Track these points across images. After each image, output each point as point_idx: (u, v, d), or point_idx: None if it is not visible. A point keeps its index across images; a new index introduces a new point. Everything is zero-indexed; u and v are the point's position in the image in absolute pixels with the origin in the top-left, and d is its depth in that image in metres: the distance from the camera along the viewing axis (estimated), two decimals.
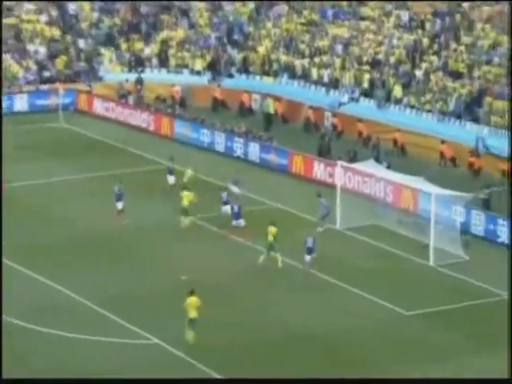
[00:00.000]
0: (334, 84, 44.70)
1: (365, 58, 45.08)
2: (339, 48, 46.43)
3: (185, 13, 51.85)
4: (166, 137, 42.66)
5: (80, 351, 24.49)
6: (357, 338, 25.67)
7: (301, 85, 45.72)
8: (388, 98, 42.77)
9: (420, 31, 46.00)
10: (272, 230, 29.59)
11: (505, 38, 43.08)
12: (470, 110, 40.16)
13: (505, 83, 40.32)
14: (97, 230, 32.13)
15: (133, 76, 47.48)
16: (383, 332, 26.04)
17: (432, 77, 42.44)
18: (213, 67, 48.29)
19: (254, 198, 34.77)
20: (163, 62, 49.01)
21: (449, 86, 41.54)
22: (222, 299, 27.36)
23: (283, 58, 47.16)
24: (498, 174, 37.23)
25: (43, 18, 50.36)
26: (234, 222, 31.67)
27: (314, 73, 45.67)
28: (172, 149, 40.19)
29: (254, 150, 39.70)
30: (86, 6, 51.64)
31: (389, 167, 35.26)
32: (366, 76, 43.92)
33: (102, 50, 49.25)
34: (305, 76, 45.88)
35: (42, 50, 48.56)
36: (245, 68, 47.94)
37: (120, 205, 32.73)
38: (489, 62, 42.18)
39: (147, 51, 49.47)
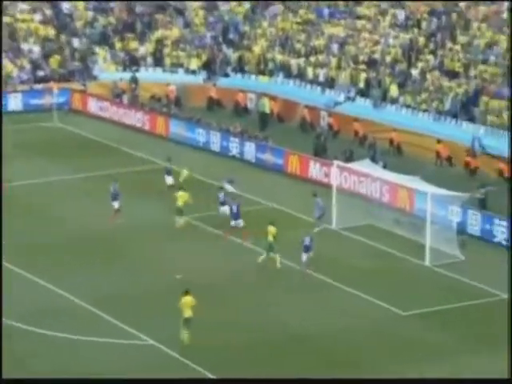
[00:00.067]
0: (330, 83, 44.58)
1: (361, 58, 44.95)
2: (335, 47, 46.31)
3: (180, 12, 51.68)
4: (161, 136, 42.51)
5: (75, 352, 24.43)
6: (353, 338, 25.59)
7: (296, 84, 45.59)
8: (384, 97, 42.65)
9: (416, 30, 45.89)
10: (272, 229, 29.51)
11: (501, 37, 43.00)
12: (466, 109, 40.06)
13: (501, 82, 40.23)
14: (91, 230, 32.01)
15: (127, 75, 47.32)
16: (379, 332, 25.95)
17: (428, 76, 42.33)
18: (208, 66, 48.14)
19: (249, 197, 34.64)
20: (158, 61, 48.84)
21: (445, 85, 41.44)
22: (217, 299, 27.28)
23: (279, 58, 47.03)
24: (495, 173, 37.14)
25: (37, 17, 50.19)
26: (233, 223, 31.57)
27: (310, 72, 45.53)
28: (167, 148, 40.12)
29: (250, 150, 39.56)
30: (81, 5, 51.44)
31: (385, 167, 35.16)
32: (362, 75, 43.81)
33: (97, 49, 49.08)
34: (300, 75, 45.75)
35: (36, 49, 48.38)
36: (240, 67, 47.79)
37: (116, 204, 32.65)
38: (485, 62, 42.09)
39: (142, 50, 49.29)
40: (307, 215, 33.02)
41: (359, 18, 48.61)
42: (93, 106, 45.54)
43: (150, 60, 48.88)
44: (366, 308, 27.27)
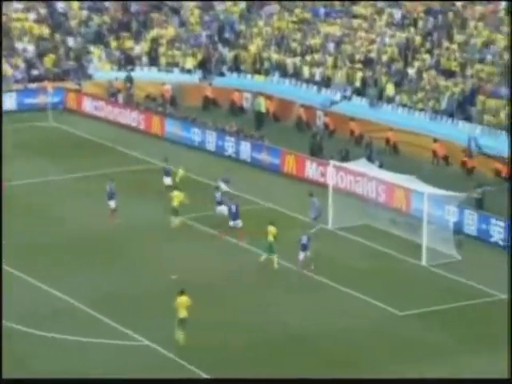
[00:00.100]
0: (326, 82, 44.44)
1: (357, 57, 44.81)
2: (331, 46, 46.17)
3: (175, 11, 51.48)
4: (157, 136, 42.37)
5: (72, 353, 24.34)
6: (352, 339, 25.50)
7: (292, 83, 45.44)
8: (380, 96, 42.52)
9: (412, 29, 45.76)
10: (272, 229, 29.43)
11: (498, 36, 42.89)
12: (463, 108, 39.96)
13: (498, 82, 40.11)
14: (88, 230, 31.89)
15: (123, 74, 47.15)
16: (377, 332, 25.87)
17: (424, 75, 42.21)
18: (204, 66, 47.97)
19: (245, 197, 34.48)
20: (153, 60, 48.66)
21: (441, 84, 41.32)
22: (214, 299, 27.18)
23: (275, 57, 46.87)
24: (492, 173, 37.03)
25: (32, 16, 49.96)
26: (232, 223, 31.41)
27: (306, 71, 45.39)
28: (162, 148, 40.02)
29: (246, 149, 39.41)
30: (75, 3, 51.21)
31: (381, 166, 35.03)
32: (358, 74, 43.67)
33: (92, 48, 48.89)
34: (296, 74, 45.60)
35: (31, 48, 48.15)
36: (236, 66, 47.63)
37: (113, 203, 32.52)
38: (482, 61, 41.97)
39: (137, 49, 49.10)
40: (303, 215, 32.92)
41: (355, 17, 48.46)
42: (88, 105, 45.37)
43: (145, 59, 48.69)
44: (363, 308, 27.18)
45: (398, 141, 40.21)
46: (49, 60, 47.81)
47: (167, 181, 35.04)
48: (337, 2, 49.92)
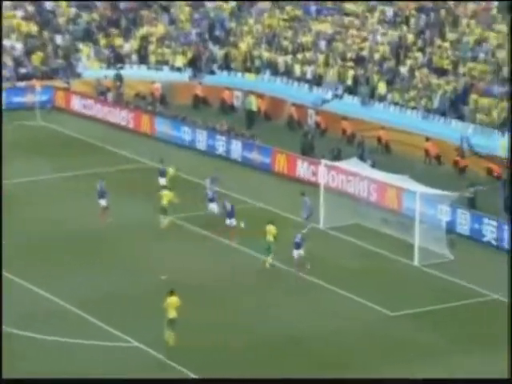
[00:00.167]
0: (318, 81, 44.15)
1: (349, 55, 44.54)
2: (323, 44, 45.90)
3: (165, 8, 51.10)
4: (146, 135, 42.09)
5: (61, 355, 24.13)
6: (343, 340, 25.32)
7: (283, 81, 45.16)
8: (372, 94, 42.25)
9: (404, 27, 45.52)
10: (272, 229, 29.22)
11: (490, 34, 42.67)
12: (455, 107, 39.74)
13: (490, 80, 39.88)
14: (76, 230, 31.63)
15: (112, 72, 46.76)
16: (369, 333, 25.70)
17: (417, 73, 41.96)
18: (194, 64, 47.63)
19: (236, 197, 34.20)
20: (143, 58, 48.29)
21: (433, 82, 41.08)
22: (204, 300, 26.98)
23: (265, 55, 46.56)
24: (484, 172, 36.81)
25: (19, 13, 49.47)
26: (228, 221, 31.14)
27: (297, 69, 45.09)
28: (152, 147, 39.86)
29: (236, 148, 39.11)
30: (63, 1, 50.74)
31: (373, 165, 34.79)
32: (350, 72, 43.39)
33: (80, 46, 48.45)
34: (288, 73, 45.31)
35: (19, 45, 47.68)
36: (226, 64, 47.30)
37: (103, 202, 32.35)
38: (474, 59, 41.75)
39: (127, 47, 48.71)
40: (295, 215, 32.68)
41: (347, 14, 48.19)
42: (76, 103, 45.02)
43: (134, 57, 48.30)
44: (354, 309, 27.00)
45: (390, 140, 39.97)
46: (37, 58, 47.36)
47: (162, 181, 34.78)
48: None
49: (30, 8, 49.91)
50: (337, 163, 34.00)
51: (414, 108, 40.81)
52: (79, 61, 47.88)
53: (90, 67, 47.76)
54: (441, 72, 41.71)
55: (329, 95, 43.44)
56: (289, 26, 48.29)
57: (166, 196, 32.08)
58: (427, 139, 38.81)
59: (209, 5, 51.19)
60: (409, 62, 42.97)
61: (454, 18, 44.96)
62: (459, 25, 44.49)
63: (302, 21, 48.74)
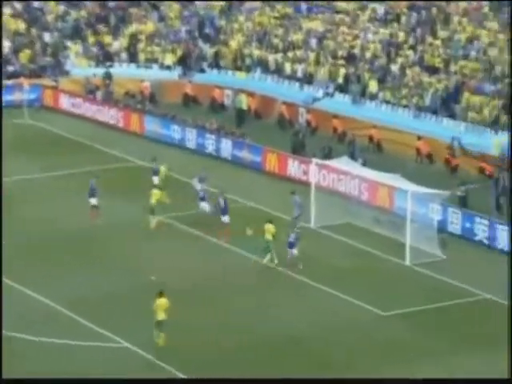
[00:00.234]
0: (308, 79, 43.93)
1: (340, 53, 44.33)
2: (313, 42, 45.68)
3: (155, 6, 50.77)
4: (136, 133, 41.87)
5: (50, 355, 23.94)
6: (333, 339, 25.16)
7: (274, 80, 44.94)
8: (363, 93, 42.04)
9: (396, 25, 45.34)
10: (270, 228, 29.06)
11: (482, 32, 42.53)
12: (447, 105, 39.59)
13: (481, 78, 39.74)
14: (65, 229, 31.42)
15: (101, 71, 46.43)
16: (360, 332, 25.55)
17: (408, 71, 41.79)
18: (183, 62, 47.35)
19: (226, 196, 33.84)
20: (132, 56, 47.96)
21: (425, 80, 40.91)
22: (194, 300, 26.80)
23: (256, 53, 46.32)
24: (475, 171, 36.67)
25: (7, 10, 49.02)
26: (222, 218, 30.95)
27: (288, 68, 44.86)
28: (142, 146, 39.74)
29: (226, 147, 38.86)
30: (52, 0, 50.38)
31: (364, 164, 34.60)
32: (341, 71, 43.17)
33: (69, 44, 48.07)
34: (278, 71, 45.08)
35: (6, 43, 47.25)
36: (216, 63, 47.03)
37: (94, 201, 32.12)
38: (466, 57, 41.60)
39: (116, 45, 48.36)
40: (286, 214, 32.47)
41: (338, 12, 47.98)
42: (65, 102, 44.71)
43: (123, 55, 47.95)
44: (345, 308, 26.87)
45: (382, 138, 39.80)
46: (25, 56, 46.97)
47: (155, 180, 34.51)
48: None
49: (18, 5, 49.49)
50: (328, 162, 33.82)
51: (405, 106, 40.63)
52: (67, 59, 47.51)
53: (79, 65, 47.39)
54: (432, 70, 41.56)
55: (320, 93, 43.21)
56: (279, 24, 48.06)
57: (155, 195, 31.88)
58: (419, 138, 38.64)
59: (198, 2, 50.90)
60: (400, 60, 42.78)
61: (445, 15, 44.81)
62: (450, 23, 44.35)
63: (292, 19, 48.51)
